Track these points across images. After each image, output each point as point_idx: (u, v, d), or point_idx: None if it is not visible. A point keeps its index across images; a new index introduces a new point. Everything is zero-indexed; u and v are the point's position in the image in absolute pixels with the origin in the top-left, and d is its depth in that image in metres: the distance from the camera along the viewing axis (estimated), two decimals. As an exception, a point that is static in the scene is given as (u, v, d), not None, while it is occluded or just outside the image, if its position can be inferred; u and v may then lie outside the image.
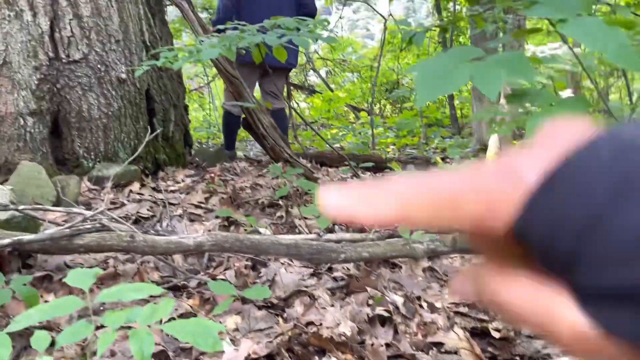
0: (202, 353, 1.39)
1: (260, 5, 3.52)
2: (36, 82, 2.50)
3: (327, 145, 3.98)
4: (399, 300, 1.47)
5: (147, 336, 0.88)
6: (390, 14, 7.96)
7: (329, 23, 2.32)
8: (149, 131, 2.84)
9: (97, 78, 2.66)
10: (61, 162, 2.71)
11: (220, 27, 2.31)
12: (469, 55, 1.03)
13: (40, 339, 0.91)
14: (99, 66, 2.66)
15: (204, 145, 6.16)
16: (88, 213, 1.75)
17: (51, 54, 2.53)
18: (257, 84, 3.98)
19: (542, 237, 0.19)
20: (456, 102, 8.21)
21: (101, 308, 1.50)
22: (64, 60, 2.57)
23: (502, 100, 4.56)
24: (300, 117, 3.35)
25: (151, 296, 1.31)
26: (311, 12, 3.68)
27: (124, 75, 2.76)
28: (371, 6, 6.26)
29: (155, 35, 3.18)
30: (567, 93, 4.89)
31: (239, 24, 2.25)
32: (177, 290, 1.73)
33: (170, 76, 3.25)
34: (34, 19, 2.48)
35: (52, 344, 1.23)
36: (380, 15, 6.42)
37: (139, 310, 0.95)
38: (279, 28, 2.21)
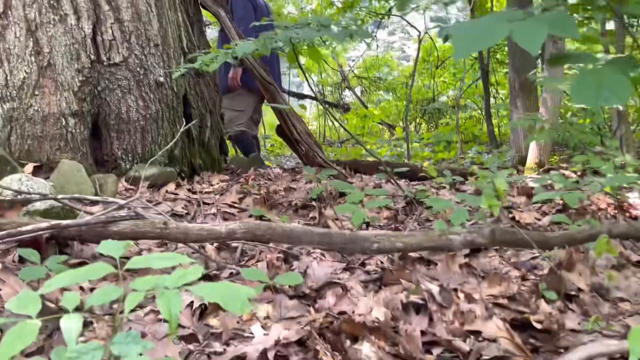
0: (232, 338, 1.37)
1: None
2: (78, 84, 2.58)
3: (365, 153, 3.99)
4: (434, 288, 1.41)
5: (174, 296, 0.87)
6: (427, 31, 7.93)
7: (364, 22, 2.32)
8: (185, 131, 2.88)
9: (136, 81, 2.72)
10: (100, 164, 2.77)
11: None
12: (510, 17, 1.00)
13: (70, 300, 0.91)
14: (138, 69, 2.73)
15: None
16: (123, 202, 1.77)
17: (93, 57, 2.61)
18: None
19: None
20: (494, 120, 8.06)
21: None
22: (104, 63, 2.64)
23: (542, 110, 4.44)
24: (342, 126, 3.36)
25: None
26: None
27: (162, 79, 2.82)
28: (405, 19, 6.26)
29: (194, 42, 3.25)
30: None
31: (280, 25, 2.28)
32: (209, 279, 1.71)
33: (207, 83, 3.31)
34: (78, 23, 2.58)
35: (84, 324, 1.23)
36: (415, 28, 6.41)
37: (168, 276, 0.94)
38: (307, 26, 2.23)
